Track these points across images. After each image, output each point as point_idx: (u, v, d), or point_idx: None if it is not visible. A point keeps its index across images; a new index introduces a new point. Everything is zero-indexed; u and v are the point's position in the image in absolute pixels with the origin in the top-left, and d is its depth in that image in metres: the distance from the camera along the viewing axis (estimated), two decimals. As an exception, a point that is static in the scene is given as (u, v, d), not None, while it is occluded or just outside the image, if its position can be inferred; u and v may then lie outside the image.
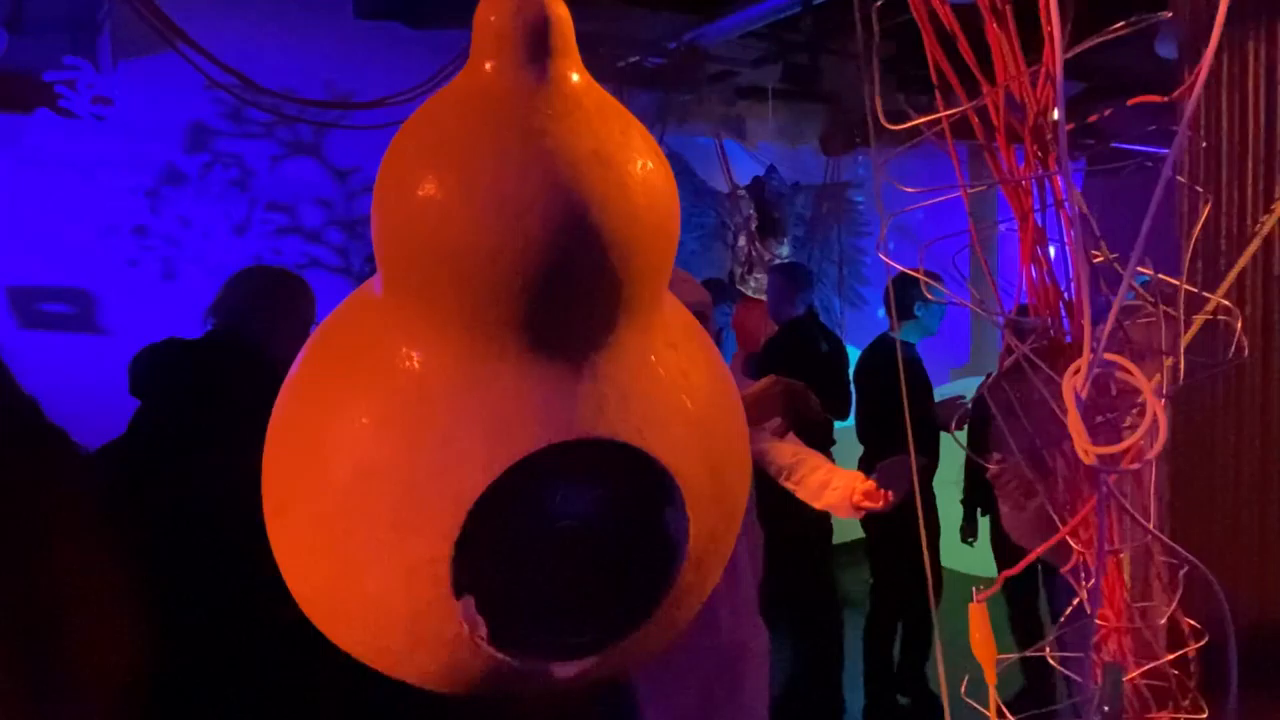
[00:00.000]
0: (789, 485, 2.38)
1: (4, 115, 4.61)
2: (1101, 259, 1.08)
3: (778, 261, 7.22)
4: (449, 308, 0.76)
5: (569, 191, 0.73)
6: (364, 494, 0.77)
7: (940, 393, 4.34)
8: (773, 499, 3.99)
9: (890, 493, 2.20)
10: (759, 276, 7.26)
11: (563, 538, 0.82)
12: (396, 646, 0.80)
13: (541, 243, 0.73)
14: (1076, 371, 0.94)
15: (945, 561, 4.26)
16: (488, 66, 0.77)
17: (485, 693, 0.81)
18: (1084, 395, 0.94)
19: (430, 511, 0.75)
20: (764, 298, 6.85)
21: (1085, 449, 0.90)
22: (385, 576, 0.77)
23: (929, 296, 3.43)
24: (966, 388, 4.58)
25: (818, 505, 2.31)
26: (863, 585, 4.30)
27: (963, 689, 1.13)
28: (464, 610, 0.76)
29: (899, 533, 3.29)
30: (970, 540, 3.99)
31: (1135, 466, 0.99)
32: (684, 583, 0.84)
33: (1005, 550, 3.50)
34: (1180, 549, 1.06)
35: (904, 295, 3.66)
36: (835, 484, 2.32)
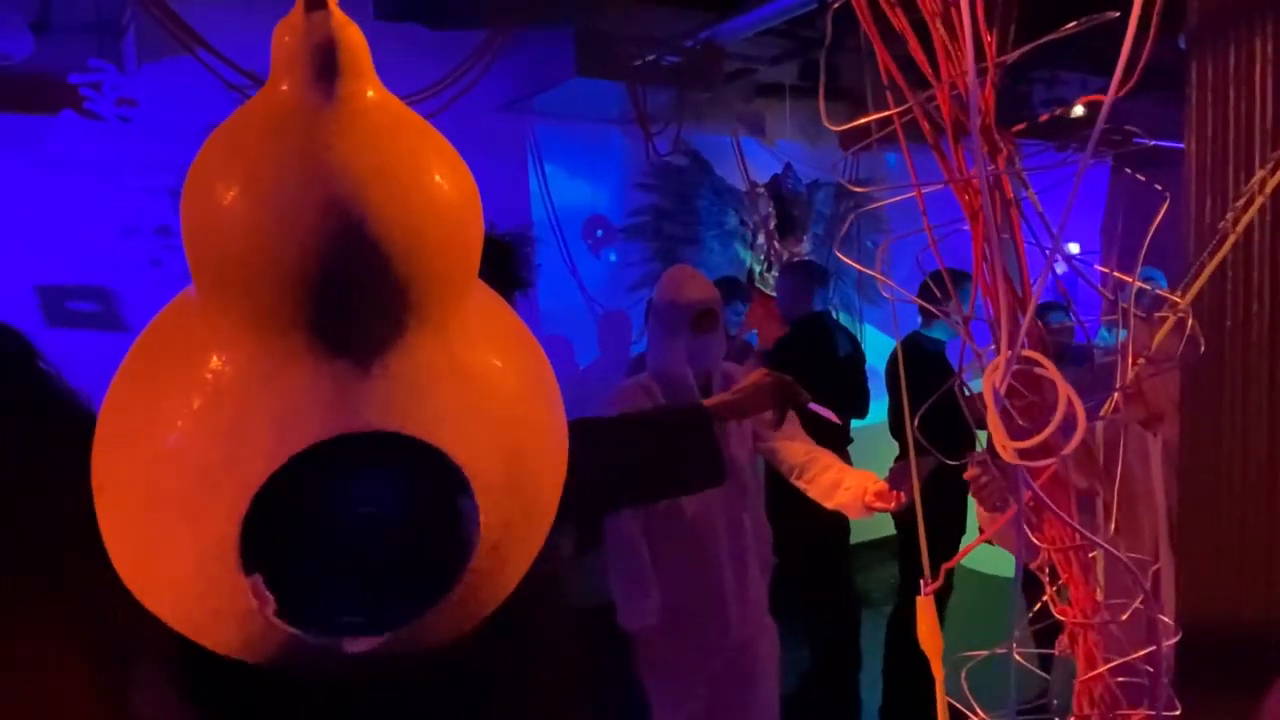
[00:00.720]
0: (800, 484, 2.41)
1: (30, 117, 4.80)
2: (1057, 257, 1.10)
3: (792, 260, 7.21)
4: (241, 308, 0.83)
5: (346, 204, 0.79)
6: (163, 478, 0.84)
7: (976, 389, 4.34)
8: (788, 497, 4.02)
9: (902, 494, 2.23)
10: (777, 275, 7.26)
11: (359, 524, 0.88)
12: (198, 617, 0.87)
13: (318, 251, 0.79)
14: (996, 368, 0.97)
15: (970, 562, 4.26)
16: (283, 85, 0.83)
17: (287, 665, 0.87)
18: (1003, 391, 0.97)
19: (219, 496, 0.82)
20: (784, 296, 6.86)
21: (1003, 444, 0.93)
22: (182, 554, 0.84)
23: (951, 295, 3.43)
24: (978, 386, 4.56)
25: (829, 505, 2.34)
26: (882, 585, 4.29)
27: (947, 679, 1.14)
28: (252, 586, 0.83)
29: (926, 531, 3.29)
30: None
31: (1049, 462, 1.01)
32: (477, 569, 0.89)
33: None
34: (1116, 550, 1.08)
35: (930, 292, 3.65)
36: (847, 483, 2.35)
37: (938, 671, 1.15)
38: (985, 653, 1.27)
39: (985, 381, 1.00)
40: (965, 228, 1.19)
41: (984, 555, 4.07)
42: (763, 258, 7.35)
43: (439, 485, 0.89)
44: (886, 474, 2.41)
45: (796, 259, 7.21)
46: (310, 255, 0.79)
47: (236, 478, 0.81)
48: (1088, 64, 6.02)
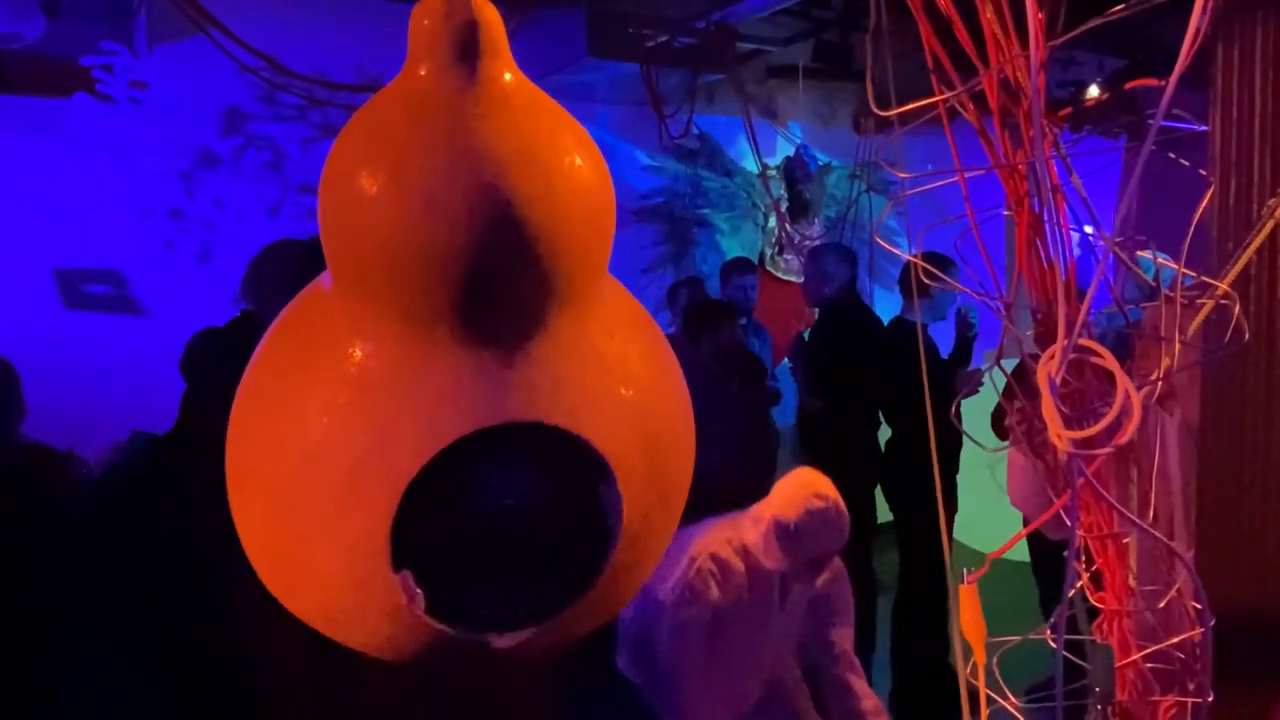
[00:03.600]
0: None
1: (43, 99, 4.74)
2: (1104, 242, 1.08)
3: (818, 242, 7.15)
4: (386, 300, 0.81)
5: (494, 189, 0.77)
6: (310, 474, 0.82)
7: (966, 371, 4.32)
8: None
9: None
10: (789, 258, 7.22)
11: (503, 517, 0.87)
12: (342, 616, 0.85)
13: (467, 238, 0.77)
14: (1052, 357, 0.95)
15: (971, 542, 4.25)
16: (421, 69, 0.81)
17: (428, 660, 0.86)
18: (1058, 380, 0.95)
19: (369, 492, 0.80)
20: (794, 279, 6.81)
21: (1058, 434, 0.91)
22: (329, 551, 0.82)
23: (938, 277, 3.40)
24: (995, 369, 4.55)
25: None
26: (886, 570, 4.28)
27: (969, 669, 1.14)
28: (402, 583, 0.82)
29: (922, 514, 3.29)
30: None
31: (1107, 451, 0.99)
32: (619, 560, 0.88)
33: (1036, 533, 3.48)
34: (1161, 536, 1.07)
35: (915, 276, 3.64)
36: None
37: (980, 658, 1.14)
38: (1018, 638, 1.26)
39: (1040, 371, 0.98)
40: (1001, 212, 1.18)
41: (982, 533, 4.07)
42: (773, 240, 7.32)
43: (578, 477, 0.88)
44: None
45: (810, 242, 7.17)
46: (459, 242, 0.77)
47: (386, 473, 0.79)
48: (1103, 45, 5.96)
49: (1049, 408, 0.94)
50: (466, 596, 0.86)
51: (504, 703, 1.29)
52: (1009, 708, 1.11)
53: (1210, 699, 1.11)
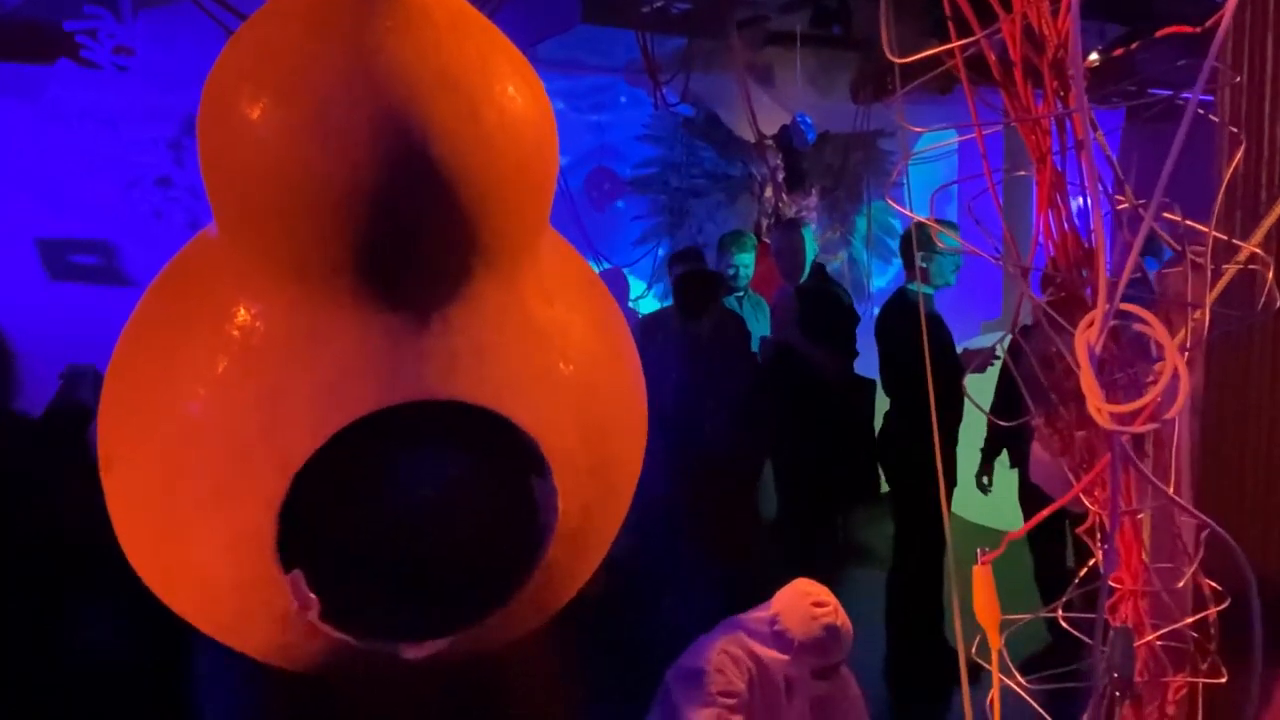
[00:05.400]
0: None
1: (26, 66, 4.61)
2: (1126, 205, 0.99)
3: (813, 214, 7.04)
4: (277, 249, 0.68)
5: (405, 119, 0.64)
6: (186, 455, 0.69)
7: (972, 344, 4.22)
8: (801, 450, 3.88)
9: None
10: (771, 232, 7.13)
11: (415, 510, 0.74)
12: (226, 619, 0.73)
13: (372, 177, 0.64)
14: (1090, 324, 0.85)
15: (968, 515, 4.14)
16: None
17: (327, 672, 0.73)
18: (1098, 349, 0.85)
19: (254, 477, 0.68)
20: (793, 251, 6.69)
21: (1098, 407, 0.81)
22: (209, 545, 0.70)
23: (938, 245, 3.27)
24: (998, 340, 4.43)
25: None
26: (886, 540, 4.18)
27: (974, 648, 1.07)
28: (293, 585, 0.69)
29: (919, 487, 3.16)
30: (985, 485, 3.85)
31: (1153, 426, 0.89)
32: (552, 561, 0.75)
33: (1031, 506, 3.39)
34: (1199, 513, 0.98)
35: (915, 244, 3.51)
36: None
37: (994, 640, 1.06)
38: (1029, 616, 1.17)
39: (1079, 339, 0.87)
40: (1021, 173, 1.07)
41: (980, 507, 3.97)
42: (769, 211, 7.20)
43: (507, 464, 0.75)
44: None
45: (807, 213, 7.05)
46: (360, 183, 0.64)
47: (273, 456, 0.67)
48: (1101, 11, 5.81)
49: (1088, 379, 0.83)
50: (372, 601, 0.73)
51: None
52: (1015, 688, 1.04)
53: (1225, 679, 1.02)
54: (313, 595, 0.69)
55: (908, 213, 1.11)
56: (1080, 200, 1.02)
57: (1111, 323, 0.89)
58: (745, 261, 4.68)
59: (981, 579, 1.06)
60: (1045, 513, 1.12)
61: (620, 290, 6.57)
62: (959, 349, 3.87)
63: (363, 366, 0.68)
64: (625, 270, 6.60)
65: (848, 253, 7.33)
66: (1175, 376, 0.82)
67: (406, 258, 0.68)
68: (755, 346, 4.08)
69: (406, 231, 0.67)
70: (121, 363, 0.76)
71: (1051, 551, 3.59)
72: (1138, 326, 0.94)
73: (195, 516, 0.69)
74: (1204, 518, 0.96)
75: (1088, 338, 0.85)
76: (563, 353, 0.75)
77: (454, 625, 0.73)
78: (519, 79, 0.71)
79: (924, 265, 3.38)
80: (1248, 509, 1.42)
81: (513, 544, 0.75)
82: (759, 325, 4.30)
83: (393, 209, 0.65)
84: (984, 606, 1.05)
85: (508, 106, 0.69)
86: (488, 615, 0.74)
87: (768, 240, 7.24)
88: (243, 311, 0.70)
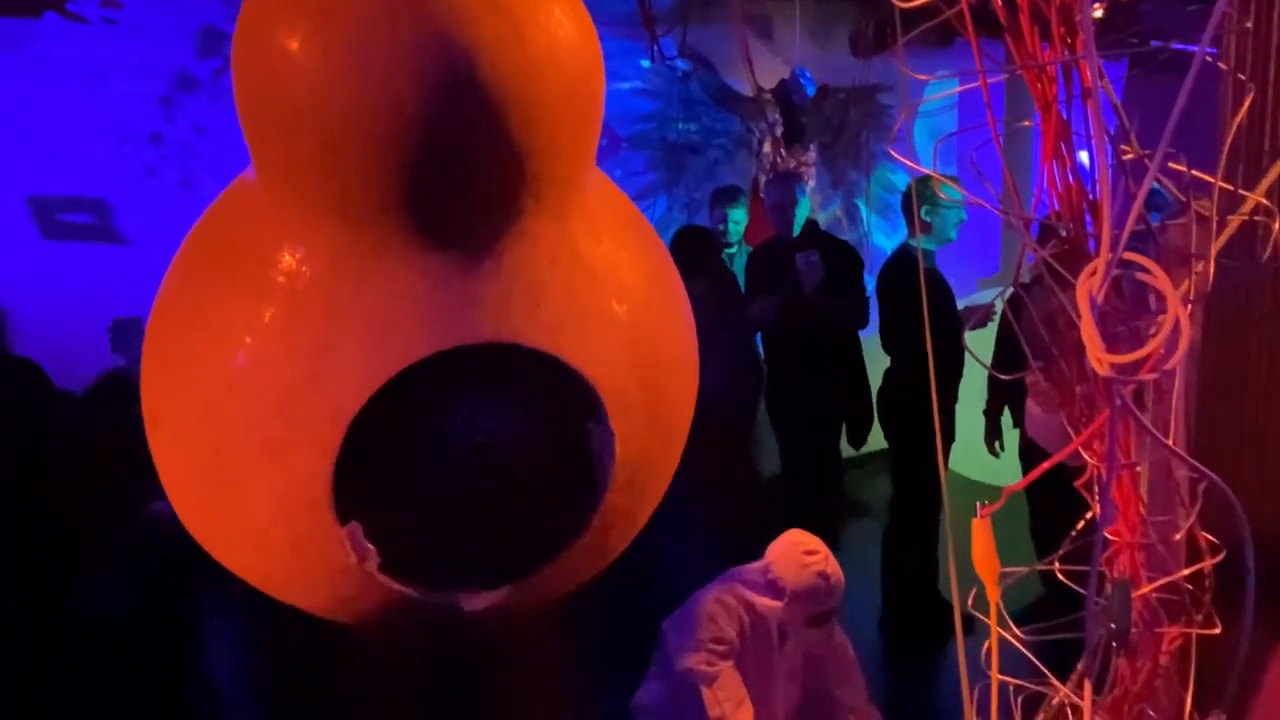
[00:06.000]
0: None
1: (11, 20, 4.50)
2: (1132, 155, 0.97)
3: (812, 169, 6.97)
4: (320, 190, 0.65)
5: (449, 42, 0.60)
6: (234, 408, 0.67)
7: (969, 302, 4.20)
8: (796, 404, 3.87)
9: None
10: (765, 186, 7.06)
11: (471, 457, 0.71)
12: (281, 574, 0.71)
13: (417, 106, 0.61)
14: (1093, 273, 0.82)
15: (966, 471, 4.16)
16: None
17: (386, 623, 0.72)
18: (1100, 299, 0.82)
19: (305, 428, 0.65)
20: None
21: (1099, 358, 0.79)
22: (261, 499, 0.68)
23: (940, 197, 3.22)
24: (998, 297, 4.40)
25: None
26: (882, 496, 4.21)
27: (970, 601, 1.07)
28: (350, 537, 0.67)
29: (917, 443, 3.15)
30: (998, 448, 3.87)
31: (1153, 376, 0.87)
32: (611, 507, 0.73)
33: (1030, 462, 3.39)
34: (1199, 464, 0.96)
35: (915, 200, 3.46)
36: None
37: (992, 593, 1.06)
38: (1025, 569, 1.18)
39: (1080, 288, 0.85)
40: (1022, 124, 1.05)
41: (979, 463, 3.97)
42: (767, 167, 7.12)
43: (563, 409, 0.73)
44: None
45: (805, 168, 6.98)
46: (404, 112, 0.61)
47: (325, 406, 0.64)
48: None
49: (1089, 329, 0.81)
50: (429, 552, 0.71)
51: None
52: (1012, 640, 1.04)
53: (1219, 630, 1.02)
54: (370, 546, 0.67)
55: (910, 163, 1.08)
56: (1084, 154, 1.00)
57: (1114, 272, 0.87)
58: (737, 217, 4.62)
59: (980, 532, 1.06)
60: (1045, 466, 1.10)
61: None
62: (959, 306, 3.85)
63: (412, 310, 0.65)
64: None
65: (845, 209, 7.26)
66: (1176, 327, 0.80)
67: (454, 192, 0.64)
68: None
69: (454, 162, 0.63)
70: (162, 317, 0.73)
71: (1049, 504, 3.59)
72: (1140, 276, 0.91)
73: (246, 471, 0.67)
74: (1202, 468, 0.95)
75: (1090, 286, 0.83)
76: (615, 292, 0.72)
77: (513, 575, 0.71)
78: (566, 4, 0.67)
79: (927, 219, 3.34)
80: (1245, 461, 1.41)
81: (570, 491, 0.73)
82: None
83: (439, 139, 0.62)
84: (983, 559, 1.05)
85: (555, 31, 0.65)
86: (546, 564, 0.72)
87: (764, 196, 7.17)
88: (287, 257, 0.67)
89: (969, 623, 1.01)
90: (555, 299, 0.68)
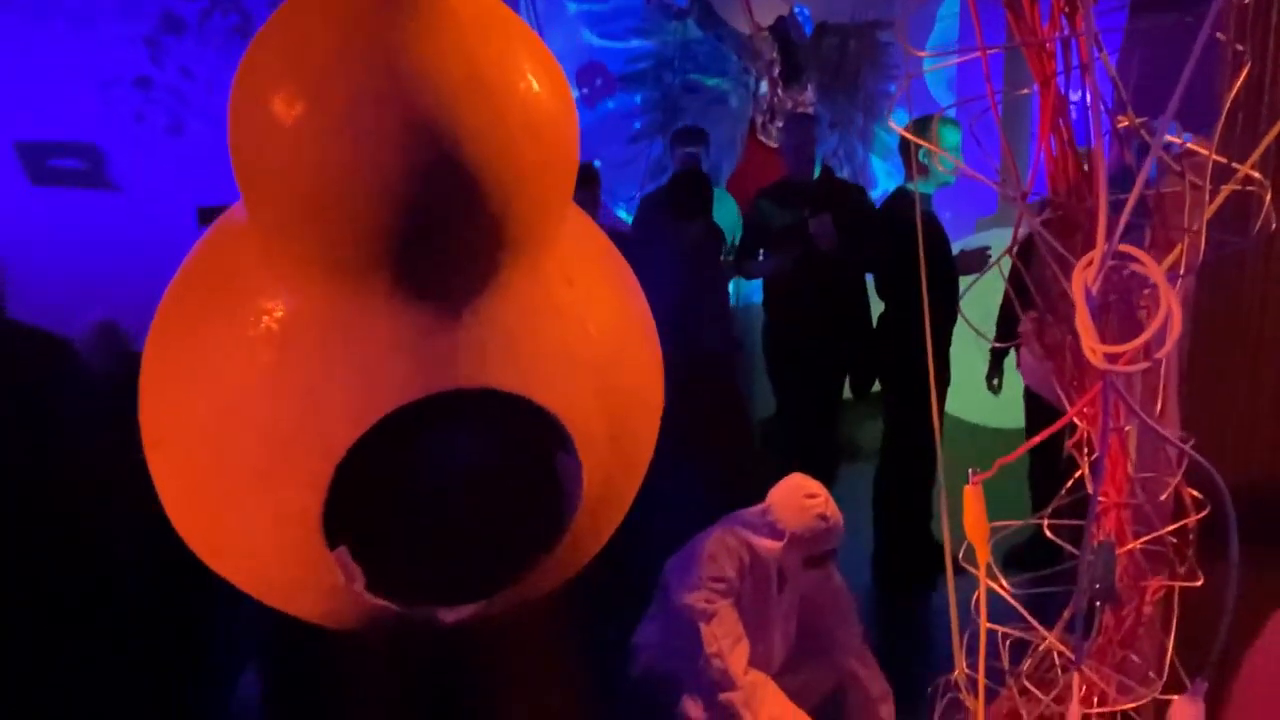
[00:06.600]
0: (734, 700, 2.28)
1: (-7, -41, 4.42)
2: (1127, 124, 1.00)
3: (811, 109, 6.89)
4: (309, 244, 0.70)
5: (435, 125, 0.66)
6: (229, 439, 0.73)
7: (967, 244, 4.21)
8: (788, 347, 3.91)
9: None
10: (780, 125, 6.97)
11: (448, 483, 0.78)
12: (274, 588, 0.78)
13: (403, 182, 0.66)
14: (1089, 264, 0.86)
15: (959, 413, 4.21)
16: None
17: (372, 633, 0.79)
18: (1095, 290, 0.86)
19: (297, 463, 0.72)
20: (788, 147, 6.58)
21: (1092, 348, 0.83)
22: (255, 524, 0.74)
23: (935, 146, 3.20)
24: (993, 239, 4.41)
25: None
26: (872, 438, 4.25)
27: (960, 554, 1.12)
28: (339, 560, 0.74)
29: (912, 386, 3.20)
30: (996, 386, 3.89)
31: (1144, 365, 0.92)
32: (577, 528, 0.81)
33: (1034, 402, 3.44)
34: (1181, 438, 1.01)
35: (913, 143, 3.43)
36: None
37: (983, 556, 1.11)
38: (1017, 523, 1.23)
39: (1076, 279, 0.89)
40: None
41: (974, 405, 4.02)
42: (765, 107, 7.04)
43: (532, 440, 0.80)
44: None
45: (803, 109, 6.90)
46: (392, 186, 0.66)
47: (316, 445, 0.71)
48: None
49: (1084, 320, 0.86)
50: (410, 570, 0.79)
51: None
52: (1001, 591, 1.09)
53: (1200, 583, 1.06)
54: (357, 567, 0.74)
55: (897, 131, 1.09)
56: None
57: (1109, 263, 0.90)
58: (694, 154, 4.49)
59: (972, 498, 1.10)
60: (1029, 445, 1.13)
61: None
62: (955, 249, 3.85)
63: (398, 359, 0.71)
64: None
65: (844, 149, 7.22)
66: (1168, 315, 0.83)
67: (438, 255, 0.70)
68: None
69: (437, 231, 0.69)
70: (159, 347, 0.79)
71: (1047, 449, 3.65)
72: (1134, 267, 0.95)
73: (242, 499, 0.74)
74: (1183, 446, 0.98)
75: (1085, 277, 0.87)
76: (585, 334, 0.79)
77: (487, 590, 0.78)
78: (540, 71, 0.72)
79: (926, 161, 3.29)
80: (1233, 420, 1.46)
81: (539, 513, 0.80)
82: (724, 221, 4.18)
83: (424, 210, 0.68)
84: (973, 523, 1.09)
85: (532, 103, 0.70)
86: (517, 580, 0.79)
87: (762, 137, 7.11)
88: (280, 303, 0.72)
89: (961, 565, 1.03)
90: (528, 345, 0.75)
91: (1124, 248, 0.92)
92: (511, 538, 0.81)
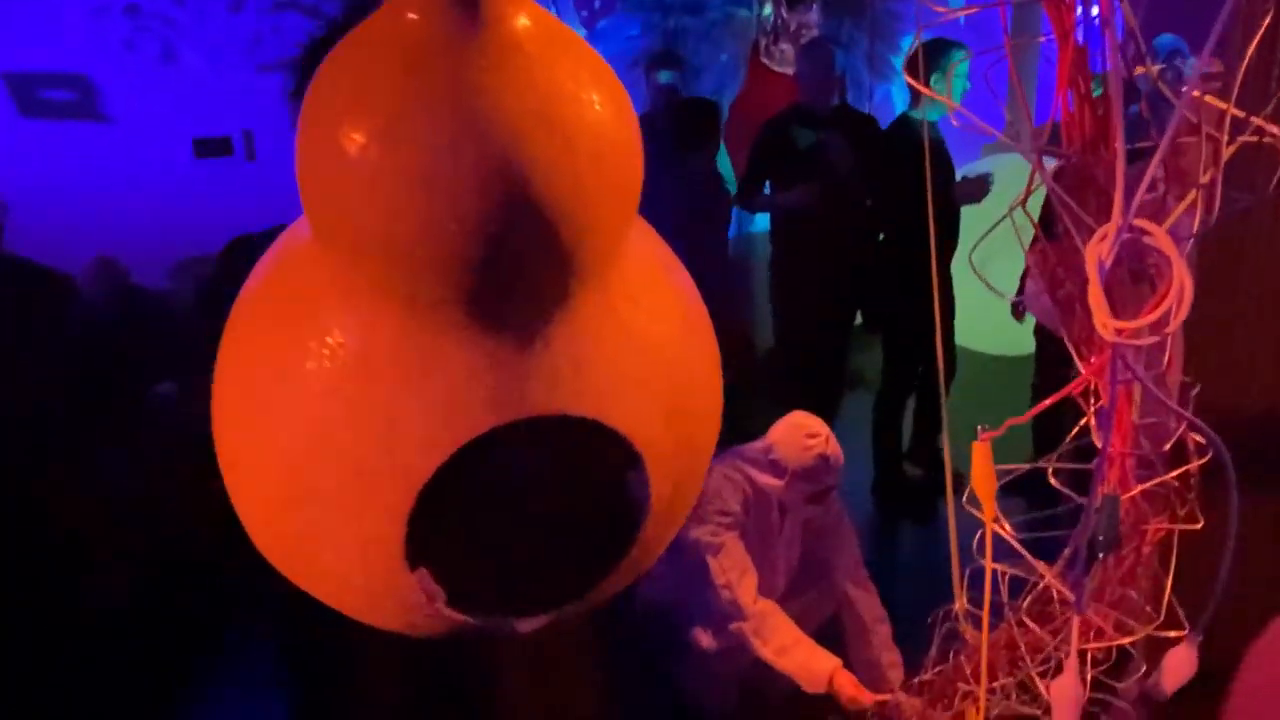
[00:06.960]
0: (744, 629, 2.22)
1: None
2: (1141, 71, 0.98)
3: (815, 32, 6.71)
4: (384, 277, 0.71)
5: (509, 166, 0.65)
6: (312, 467, 0.75)
7: (972, 169, 4.14)
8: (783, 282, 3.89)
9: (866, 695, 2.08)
10: (784, 47, 6.79)
11: (523, 501, 0.81)
12: (358, 607, 0.81)
13: (478, 220, 0.66)
14: (1103, 238, 0.86)
15: (962, 340, 4.23)
16: (410, 11, 0.66)
17: (450, 640, 0.83)
18: (1109, 264, 0.86)
19: (379, 493, 0.73)
20: (788, 71, 6.43)
21: (1104, 323, 0.84)
22: (339, 548, 0.77)
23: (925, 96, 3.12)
24: (998, 164, 4.35)
25: (778, 665, 2.17)
26: (873, 366, 4.29)
27: (965, 499, 1.14)
28: (421, 582, 0.77)
29: (913, 311, 3.26)
30: (1021, 311, 3.89)
31: (1154, 340, 0.92)
32: (645, 535, 0.83)
33: (1045, 337, 3.46)
34: (1183, 412, 1.02)
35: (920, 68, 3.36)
36: (800, 657, 2.13)
37: (989, 512, 1.13)
38: (1024, 466, 1.24)
39: (1090, 254, 0.89)
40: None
41: (982, 335, 4.04)
42: (768, 29, 6.85)
43: (603, 457, 0.81)
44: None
45: (807, 31, 6.71)
46: (466, 225, 0.66)
47: (398, 476, 0.72)
48: None
49: (1096, 295, 0.86)
50: (487, 584, 0.81)
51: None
52: (1006, 535, 1.11)
53: (1200, 525, 1.07)
54: (438, 587, 0.77)
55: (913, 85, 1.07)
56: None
57: (1124, 236, 0.90)
58: (667, 81, 4.36)
59: (980, 454, 1.11)
60: (1036, 409, 1.12)
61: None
62: (959, 176, 3.80)
63: (473, 389, 0.72)
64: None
65: (850, 73, 7.01)
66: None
67: (511, 288, 0.71)
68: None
69: (512, 265, 0.69)
70: (232, 368, 0.80)
71: (1056, 371, 3.69)
72: (1146, 240, 0.94)
73: (324, 527, 0.76)
74: (1185, 414, 0.98)
75: (1099, 251, 0.87)
76: (650, 353, 0.80)
77: (561, 600, 0.81)
78: (605, 95, 0.72)
79: (934, 88, 3.22)
80: (1238, 370, 1.47)
81: (609, 523, 0.82)
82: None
83: (498, 247, 0.68)
84: (980, 479, 1.10)
85: (599, 130, 0.70)
86: (590, 590, 0.82)
87: (765, 60, 6.92)
88: (355, 335, 0.73)
89: (960, 481, 1.04)
90: (598, 370, 0.76)
91: (1140, 222, 0.91)
92: (582, 548, 0.83)
